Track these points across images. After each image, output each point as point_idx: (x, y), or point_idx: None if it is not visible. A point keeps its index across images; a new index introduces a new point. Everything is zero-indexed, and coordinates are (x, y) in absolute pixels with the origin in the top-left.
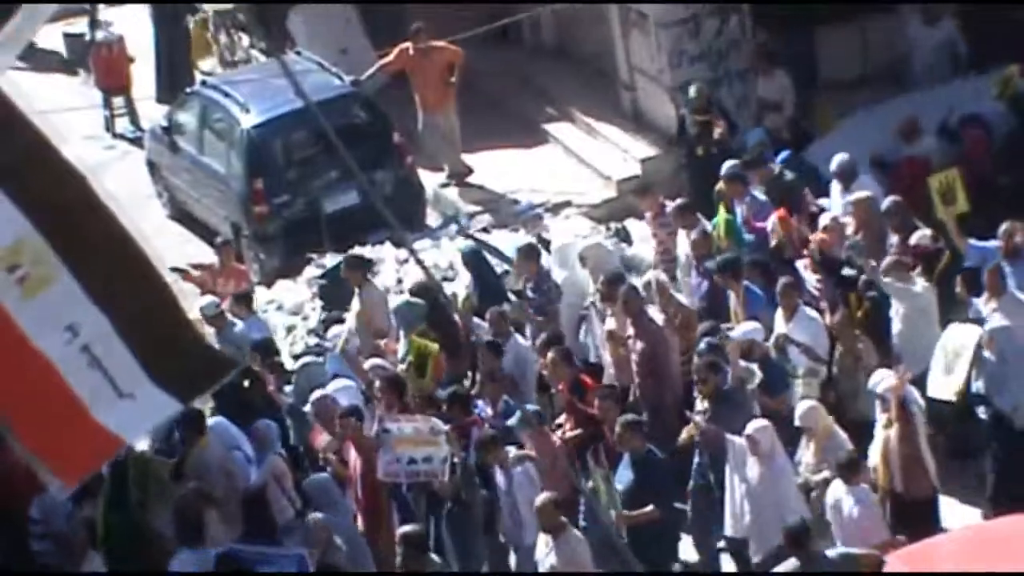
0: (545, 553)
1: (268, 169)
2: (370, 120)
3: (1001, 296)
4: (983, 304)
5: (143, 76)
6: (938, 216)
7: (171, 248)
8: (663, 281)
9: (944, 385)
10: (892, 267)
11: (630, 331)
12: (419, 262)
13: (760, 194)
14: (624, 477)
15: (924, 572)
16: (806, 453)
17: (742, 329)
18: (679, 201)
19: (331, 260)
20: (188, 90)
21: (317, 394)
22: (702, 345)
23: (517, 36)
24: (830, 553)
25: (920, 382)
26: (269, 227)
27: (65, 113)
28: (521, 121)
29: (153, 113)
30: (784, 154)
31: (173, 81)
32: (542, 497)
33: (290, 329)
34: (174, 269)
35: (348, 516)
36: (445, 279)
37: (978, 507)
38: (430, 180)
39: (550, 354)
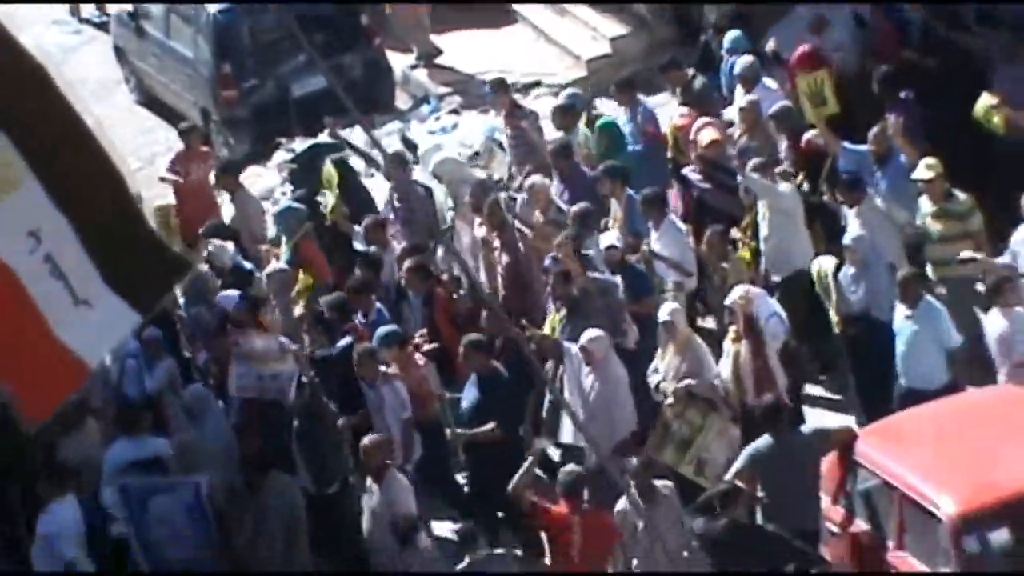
0: (368, 496)
1: (235, 53)
2: (337, 3)
3: (860, 203)
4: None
5: None
6: (808, 118)
7: (140, 133)
8: (540, 185)
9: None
10: (759, 166)
11: (496, 242)
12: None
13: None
14: (470, 395)
15: None
16: (664, 358)
17: (604, 240)
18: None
19: (300, 144)
20: None
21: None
22: (547, 259)
23: None
24: (804, 429)
25: (788, 285)
26: (238, 111)
27: None
28: (489, 1)
29: None
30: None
31: None
32: (367, 439)
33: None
34: (162, 179)
35: (220, 428)
36: (415, 162)
37: (848, 414)
38: (399, 62)
39: (406, 264)
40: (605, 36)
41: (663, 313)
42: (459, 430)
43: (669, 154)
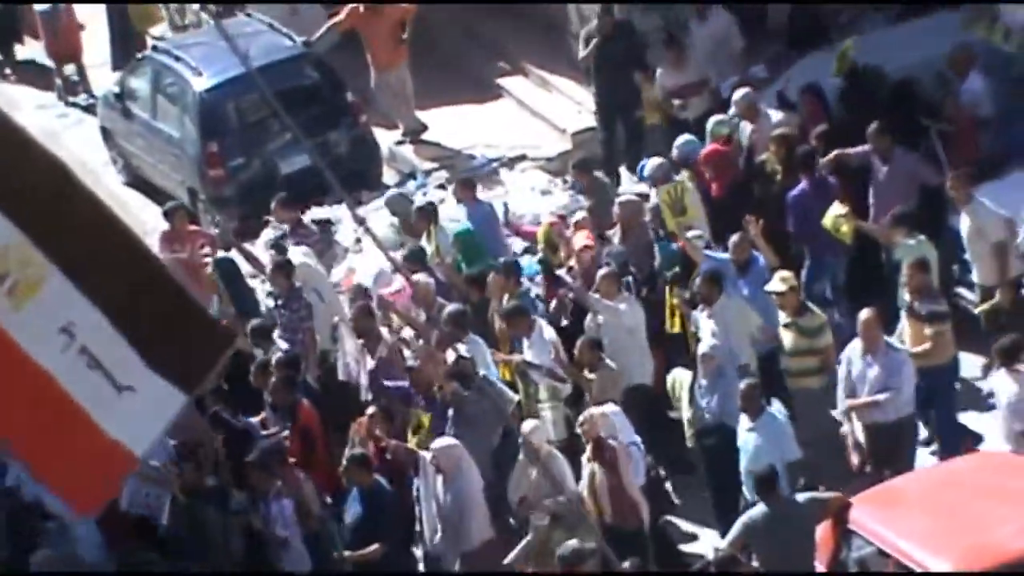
0: None
1: (222, 132)
2: (323, 80)
3: (712, 305)
4: (699, 315)
5: (93, 43)
6: (669, 228)
7: (128, 215)
8: (422, 285)
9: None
10: (602, 281)
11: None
12: (367, 230)
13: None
14: (353, 511)
15: None
16: (526, 476)
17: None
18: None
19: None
20: (139, 55)
21: None
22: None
23: None
24: (799, 497)
25: (632, 399)
26: (225, 190)
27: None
28: (474, 76)
29: (106, 80)
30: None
31: (126, 47)
32: None
33: None
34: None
35: (94, 541)
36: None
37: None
38: (385, 138)
39: (274, 375)
40: (589, 109)
41: (524, 429)
42: (346, 552)
43: (540, 253)
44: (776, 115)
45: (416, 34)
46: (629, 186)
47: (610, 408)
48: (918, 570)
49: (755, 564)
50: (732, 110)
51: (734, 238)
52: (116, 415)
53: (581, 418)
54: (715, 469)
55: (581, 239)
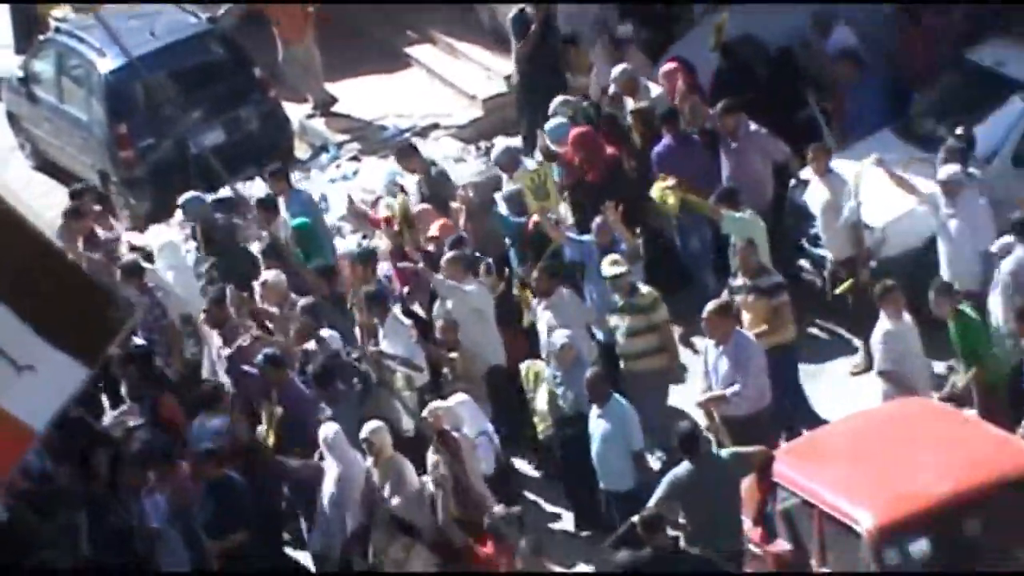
0: None
1: (130, 113)
2: (229, 56)
3: (550, 297)
4: (537, 307)
5: None
6: (531, 212)
7: (38, 198)
8: (272, 282)
9: (540, 422)
10: (447, 264)
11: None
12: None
13: None
14: (207, 506)
15: None
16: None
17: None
18: None
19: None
20: (42, 38)
21: None
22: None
23: None
24: (722, 453)
25: (491, 382)
26: (137, 171)
27: None
28: (382, 47)
29: (9, 64)
30: None
31: (29, 29)
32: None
33: None
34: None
35: None
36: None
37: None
38: (296, 112)
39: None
40: (499, 74)
41: (365, 431)
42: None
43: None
44: (656, 89)
45: (322, 7)
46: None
47: (458, 399)
48: (843, 519)
49: (681, 521)
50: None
51: (597, 220)
52: (15, 393)
53: (425, 411)
54: (572, 459)
55: (436, 226)
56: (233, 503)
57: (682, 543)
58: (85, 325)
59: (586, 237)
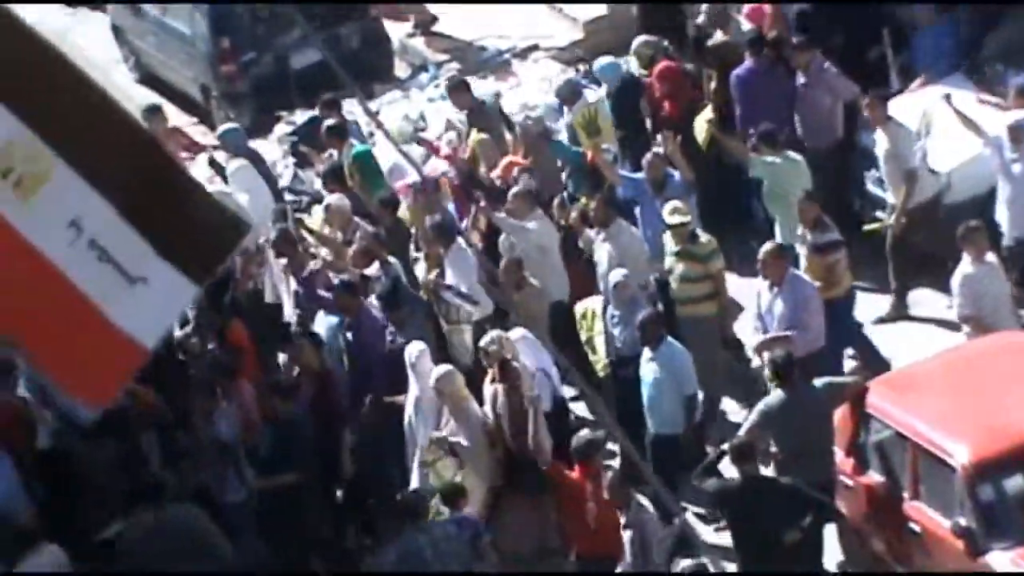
0: None
1: (233, 28)
2: None
3: (608, 228)
4: (595, 237)
5: None
6: (584, 147)
7: (139, 111)
8: (336, 206)
9: (595, 364)
10: (513, 199)
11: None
12: (379, 124)
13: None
14: (266, 441)
15: None
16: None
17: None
18: None
19: (301, 117)
20: None
21: None
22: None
23: None
24: (816, 382)
25: (553, 317)
26: (237, 86)
27: None
28: None
29: None
30: None
31: None
32: None
33: None
34: None
35: None
36: (417, 130)
37: None
38: (396, 31)
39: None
40: None
41: (433, 376)
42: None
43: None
44: (746, 24)
45: None
46: None
47: (517, 334)
48: (937, 452)
49: (772, 449)
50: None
51: (647, 156)
52: (127, 308)
53: (484, 341)
54: (627, 399)
55: (504, 162)
56: (292, 443)
57: (772, 471)
58: (198, 240)
59: (639, 175)
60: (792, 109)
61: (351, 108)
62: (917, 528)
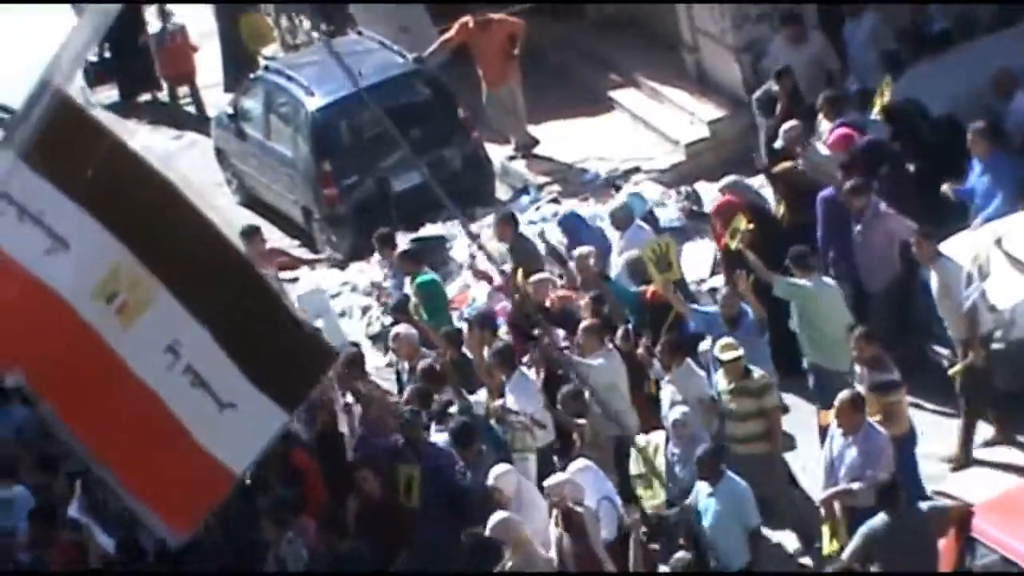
0: None
1: (335, 151)
2: (435, 96)
3: (672, 371)
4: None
5: (206, 64)
6: (655, 286)
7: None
8: (404, 336)
9: (645, 500)
10: (583, 334)
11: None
12: (480, 247)
13: None
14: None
15: None
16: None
17: None
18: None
19: (403, 239)
20: (252, 76)
21: None
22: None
23: (577, 5)
24: (920, 506)
25: (620, 449)
26: (339, 209)
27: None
28: (585, 89)
29: (219, 101)
30: None
31: (239, 68)
32: None
33: (365, 310)
34: None
35: None
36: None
37: None
38: (497, 154)
39: None
40: (703, 120)
41: (492, 475)
42: None
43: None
44: (824, 150)
45: (527, 48)
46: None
47: (578, 465)
48: None
49: None
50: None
51: (723, 291)
52: (217, 433)
53: (547, 485)
54: (687, 537)
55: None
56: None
57: None
58: (289, 368)
59: (711, 308)
60: None
61: (452, 231)
62: None
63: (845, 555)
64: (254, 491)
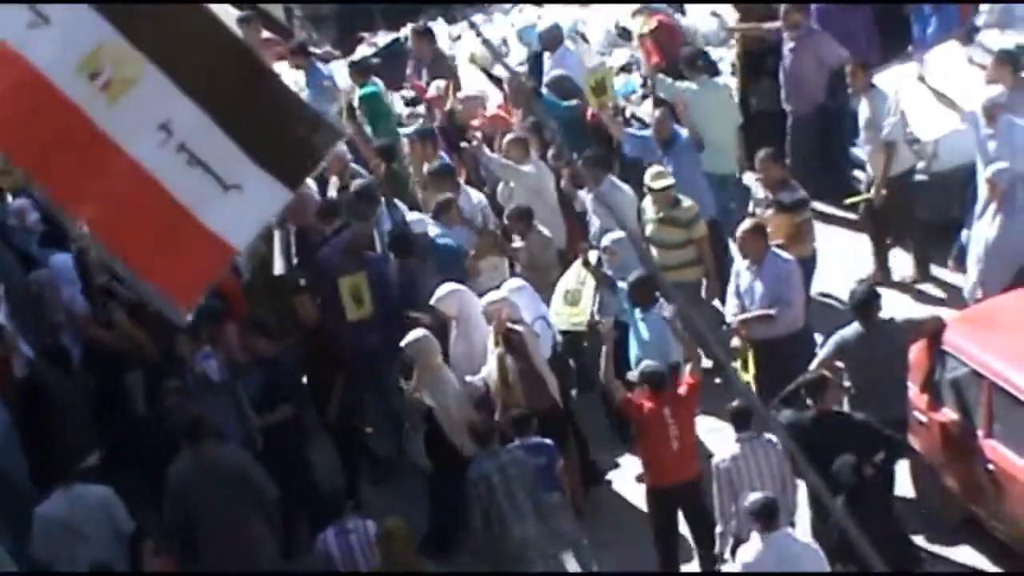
0: None
1: None
2: None
3: (599, 186)
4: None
5: None
6: (593, 107)
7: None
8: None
9: (567, 316)
10: (509, 144)
11: None
12: (480, 36)
13: None
14: (250, 381)
15: None
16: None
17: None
18: None
19: (383, 38)
20: None
21: None
22: None
23: None
24: (893, 317)
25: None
26: (321, 5)
27: None
28: None
29: None
30: None
31: None
32: None
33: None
34: None
35: None
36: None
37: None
38: None
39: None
40: None
41: (404, 342)
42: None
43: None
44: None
45: None
46: None
47: (512, 285)
48: (1013, 391)
49: (846, 384)
50: None
51: (656, 113)
52: (219, 211)
53: (483, 303)
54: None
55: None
56: (281, 379)
57: (846, 407)
58: (291, 146)
59: (646, 132)
60: (868, 41)
61: (434, 30)
62: (990, 466)
63: (815, 363)
64: None
